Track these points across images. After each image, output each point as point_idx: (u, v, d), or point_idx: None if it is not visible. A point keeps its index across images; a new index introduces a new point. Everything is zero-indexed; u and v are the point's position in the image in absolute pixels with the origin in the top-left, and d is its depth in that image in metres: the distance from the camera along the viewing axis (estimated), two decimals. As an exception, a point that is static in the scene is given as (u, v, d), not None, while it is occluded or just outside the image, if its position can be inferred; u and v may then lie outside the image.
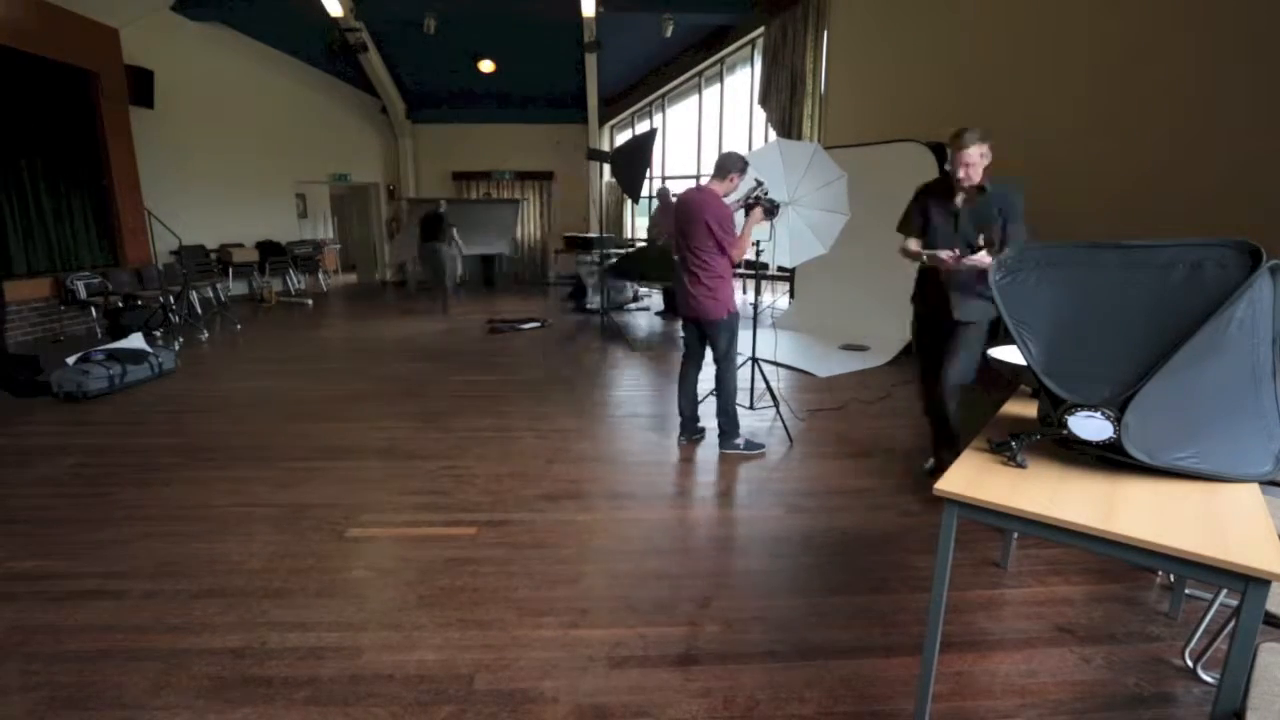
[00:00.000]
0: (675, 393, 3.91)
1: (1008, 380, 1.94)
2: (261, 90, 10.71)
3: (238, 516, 2.90)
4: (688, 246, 3.53)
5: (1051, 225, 5.81)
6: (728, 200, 3.52)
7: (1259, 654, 1.25)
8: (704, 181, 3.64)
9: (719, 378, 3.67)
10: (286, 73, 11.08)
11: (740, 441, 3.67)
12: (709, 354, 3.73)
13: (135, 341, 5.43)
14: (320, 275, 11.82)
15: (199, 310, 8.28)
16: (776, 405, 4.18)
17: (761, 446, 3.73)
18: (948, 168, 2.94)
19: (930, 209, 3.01)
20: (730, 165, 3.51)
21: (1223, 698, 1.15)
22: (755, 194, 3.69)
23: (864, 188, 5.05)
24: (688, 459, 3.62)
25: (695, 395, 3.85)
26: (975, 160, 2.82)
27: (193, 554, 2.57)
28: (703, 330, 3.64)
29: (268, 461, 3.54)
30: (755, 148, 4.67)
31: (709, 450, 3.73)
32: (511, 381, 5.31)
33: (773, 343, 5.76)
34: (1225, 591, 1.86)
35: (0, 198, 6.84)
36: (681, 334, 3.83)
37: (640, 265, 7.95)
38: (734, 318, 3.61)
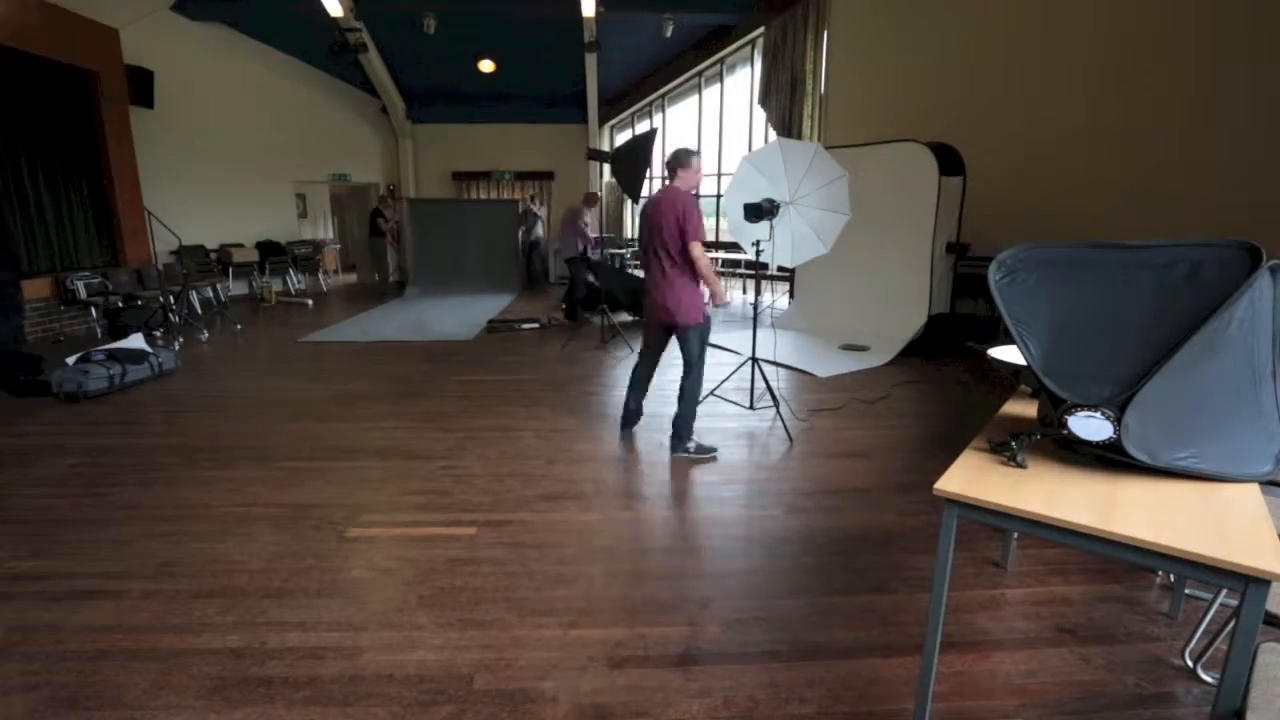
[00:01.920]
0: (676, 393, 3.88)
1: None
2: (261, 90, 10.71)
3: (238, 516, 2.90)
4: (658, 249, 3.44)
5: (1052, 225, 5.84)
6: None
7: (1259, 654, 1.24)
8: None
9: (687, 387, 3.55)
10: (286, 73, 11.08)
11: (692, 445, 3.59)
12: (665, 357, 3.68)
13: (135, 341, 5.43)
14: (320, 275, 11.82)
15: (199, 310, 8.28)
16: (776, 405, 4.18)
17: (713, 450, 3.62)
18: None
19: None
20: (683, 155, 3.50)
21: (1223, 698, 1.15)
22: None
23: (864, 188, 5.06)
24: (687, 460, 3.62)
25: (646, 391, 3.95)
26: None
27: (193, 554, 2.57)
28: (673, 334, 3.59)
29: (268, 461, 3.54)
30: (756, 148, 4.67)
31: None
32: (511, 381, 5.31)
33: (773, 343, 5.76)
34: (1225, 591, 1.86)
35: (0, 198, 6.85)
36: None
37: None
38: (708, 323, 3.56)
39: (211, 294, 8.98)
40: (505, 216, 11.42)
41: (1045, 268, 1.47)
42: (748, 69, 10.45)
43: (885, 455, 3.66)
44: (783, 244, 4.31)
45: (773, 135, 9.24)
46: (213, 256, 9.79)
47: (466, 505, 3.01)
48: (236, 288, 10.19)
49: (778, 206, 4.02)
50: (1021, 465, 1.48)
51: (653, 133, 6.61)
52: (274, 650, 1.99)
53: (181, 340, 6.75)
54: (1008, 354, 1.85)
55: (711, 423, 4.18)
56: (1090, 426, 1.40)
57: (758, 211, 3.94)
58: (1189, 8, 5.00)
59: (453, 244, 10.89)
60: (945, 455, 1.56)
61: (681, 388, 3.60)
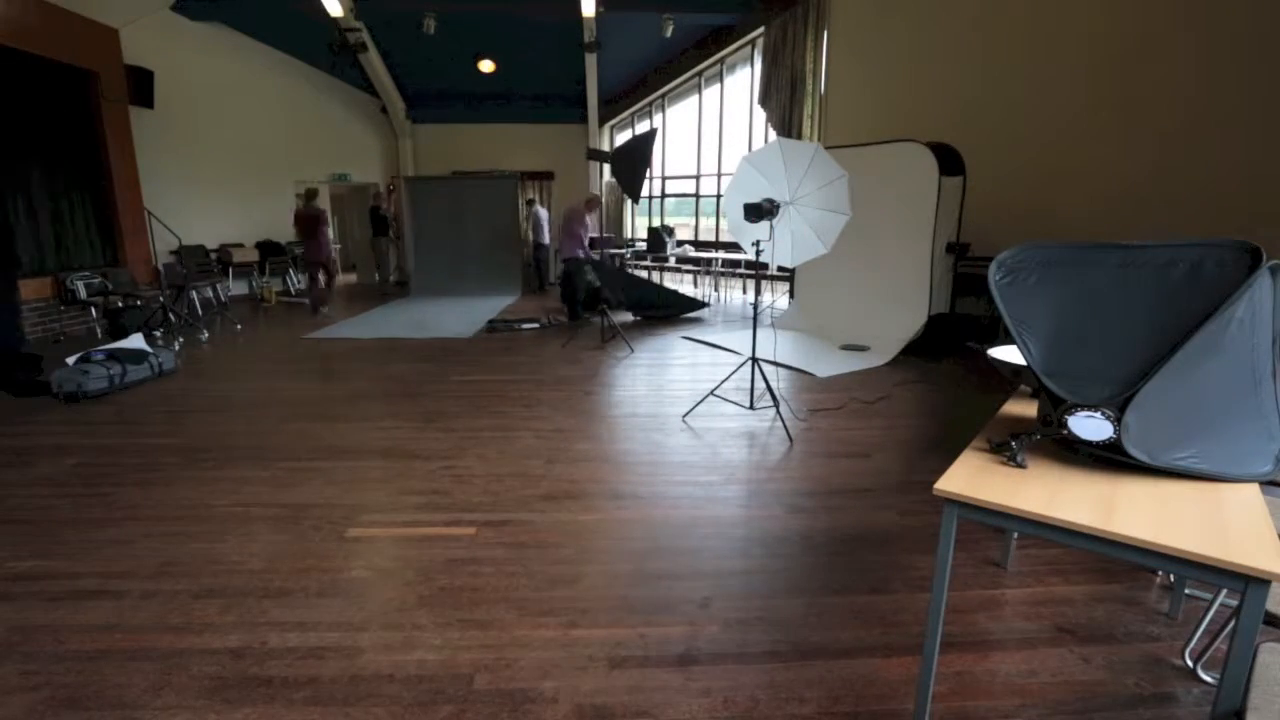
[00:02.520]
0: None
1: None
2: (262, 90, 10.71)
3: (238, 516, 2.90)
4: None
5: (1052, 225, 5.84)
6: None
7: (1259, 654, 1.25)
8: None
9: None
10: (286, 73, 11.08)
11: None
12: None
13: (135, 341, 5.43)
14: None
15: (199, 310, 8.28)
16: (776, 405, 4.18)
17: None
18: None
19: None
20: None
21: (1223, 698, 1.15)
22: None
23: (864, 188, 5.05)
24: (688, 460, 3.62)
25: None
26: None
27: (193, 554, 2.57)
28: None
29: (268, 461, 3.54)
30: (756, 148, 4.67)
31: (709, 450, 3.73)
32: (511, 381, 5.31)
33: (773, 343, 5.76)
34: (1225, 591, 1.86)
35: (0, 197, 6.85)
36: None
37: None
38: None
39: (211, 294, 8.98)
40: (505, 194, 11.18)
41: (1045, 268, 1.48)
42: (748, 69, 10.45)
43: (885, 455, 3.66)
44: (783, 244, 4.31)
45: (773, 135, 9.24)
46: (213, 256, 9.79)
47: (466, 505, 3.01)
48: (236, 288, 10.19)
49: (778, 206, 4.02)
50: (1021, 465, 1.48)
51: (653, 133, 6.61)
52: (274, 650, 1.99)
53: (181, 340, 6.75)
54: (1008, 354, 1.85)
55: (711, 422, 4.18)
56: (1090, 426, 1.40)
57: (758, 211, 3.93)
58: (1189, 8, 5.00)
59: (452, 224, 10.79)
60: (945, 455, 1.56)
61: None
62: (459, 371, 5.66)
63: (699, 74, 11.36)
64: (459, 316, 8.55)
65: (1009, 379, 1.93)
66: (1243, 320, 1.28)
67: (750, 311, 4.68)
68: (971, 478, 1.44)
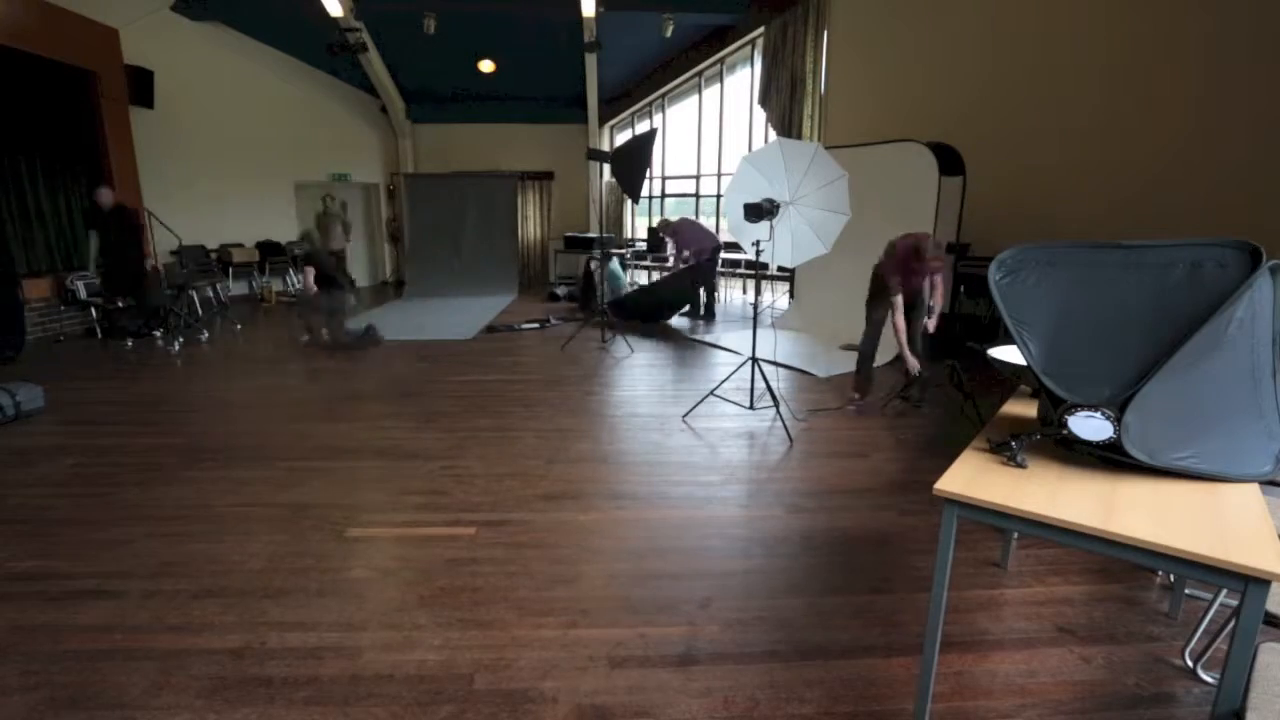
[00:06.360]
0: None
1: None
2: (261, 90, 10.70)
3: (238, 516, 2.90)
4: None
5: (1054, 225, 5.83)
6: None
7: (1259, 654, 1.25)
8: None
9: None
10: (286, 73, 11.07)
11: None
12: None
13: None
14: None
15: (199, 310, 8.28)
16: (776, 405, 4.18)
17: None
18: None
19: None
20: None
21: (1223, 698, 1.15)
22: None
23: (864, 188, 5.05)
24: (688, 460, 3.62)
25: None
26: None
27: (193, 554, 2.57)
28: None
29: (268, 461, 3.54)
30: (756, 148, 4.67)
31: (709, 450, 3.74)
32: (511, 381, 5.31)
33: (773, 343, 5.75)
34: (1225, 591, 1.86)
35: (0, 198, 6.85)
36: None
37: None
38: None
39: (211, 294, 8.98)
40: (504, 193, 11.31)
41: (1045, 268, 1.47)
42: (748, 69, 10.44)
43: (885, 455, 3.66)
44: (783, 244, 4.31)
45: (773, 135, 9.24)
46: (213, 256, 9.79)
47: (466, 505, 3.01)
48: (236, 288, 10.19)
49: (778, 206, 4.02)
50: (1021, 465, 1.48)
51: (653, 133, 6.61)
52: (274, 650, 1.99)
53: (181, 340, 6.75)
54: (1008, 354, 1.85)
55: (711, 422, 4.18)
56: (1090, 426, 1.40)
57: (758, 211, 3.94)
58: (1193, 9, 4.99)
59: (451, 223, 10.93)
60: (945, 455, 1.56)
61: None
62: (459, 371, 5.65)
63: (699, 74, 11.35)
64: (457, 317, 8.54)
65: (1009, 379, 1.93)
66: (1243, 320, 1.28)
67: (750, 311, 4.67)
68: (972, 478, 1.44)
